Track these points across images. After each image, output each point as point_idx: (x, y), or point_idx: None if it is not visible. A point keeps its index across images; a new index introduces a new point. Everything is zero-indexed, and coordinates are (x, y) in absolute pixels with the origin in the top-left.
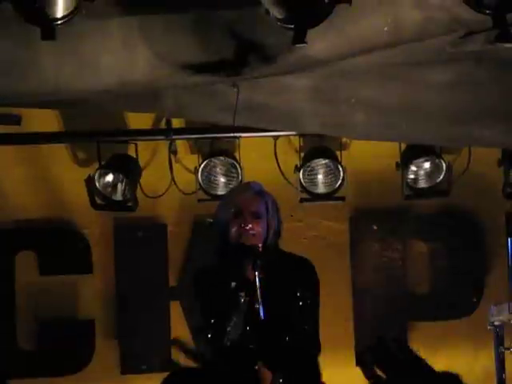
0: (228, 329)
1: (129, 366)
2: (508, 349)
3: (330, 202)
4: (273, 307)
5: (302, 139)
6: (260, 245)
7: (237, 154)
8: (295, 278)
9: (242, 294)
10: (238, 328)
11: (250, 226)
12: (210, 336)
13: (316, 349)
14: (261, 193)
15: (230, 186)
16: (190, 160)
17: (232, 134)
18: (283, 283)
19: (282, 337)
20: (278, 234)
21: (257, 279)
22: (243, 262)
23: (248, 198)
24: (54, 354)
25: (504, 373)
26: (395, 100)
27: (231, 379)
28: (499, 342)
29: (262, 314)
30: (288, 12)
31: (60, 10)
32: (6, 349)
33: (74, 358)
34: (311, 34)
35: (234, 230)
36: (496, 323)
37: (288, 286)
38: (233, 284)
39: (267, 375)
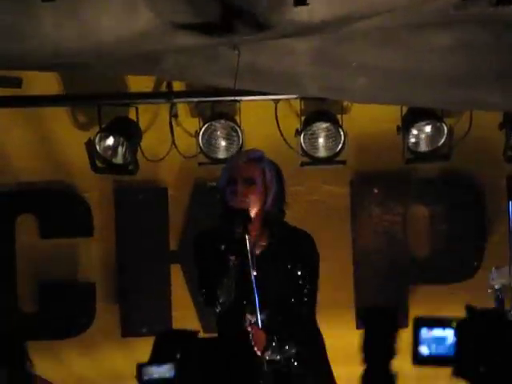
0: (218, 292)
1: (129, 328)
2: (509, 311)
3: (331, 166)
4: (270, 277)
5: (302, 103)
6: (250, 209)
7: (237, 118)
8: (295, 251)
9: (232, 257)
10: (228, 292)
11: (242, 190)
12: (203, 300)
13: (311, 324)
14: (257, 159)
15: (231, 149)
16: (191, 123)
17: (233, 98)
18: (282, 255)
19: (277, 307)
20: (279, 200)
21: (247, 242)
22: (233, 224)
23: (241, 164)
24: (54, 316)
25: None
26: (396, 63)
27: (225, 342)
28: (500, 305)
29: (253, 277)
30: None
31: None
32: (7, 311)
33: (74, 320)
34: None
35: (227, 195)
36: (497, 286)
37: (287, 259)
38: (222, 247)
39: (261, 336)
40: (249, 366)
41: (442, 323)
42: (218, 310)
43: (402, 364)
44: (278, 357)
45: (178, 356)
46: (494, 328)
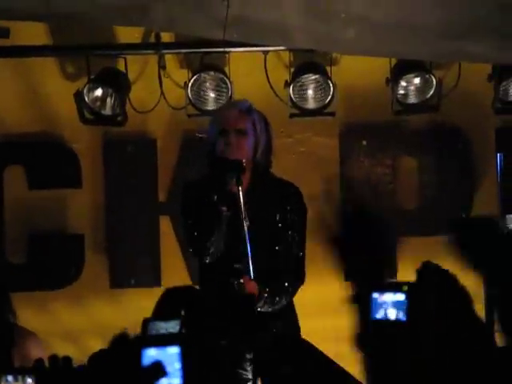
0: (208, 243)
1: (118, 280)
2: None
3: (320, 118)
4: (259, 228)
5: (292, 54)
6: (244, 160)
7: (227, 69)
8: (283, 204)
9: (224, 208)
10: (219, 244)
11: (235, 141)
12: (191, 250)
13: (301, 280)
14: (248, 110)
15: (220, 101)
16: (180, 75)
17: (222, 49)
18: (271, 207)
19: (267, 259)
20: (267, 151)
21: (240, 194)
22: (226, 176)
23: (233, 115)
24: (43, 267)
25: None
26: (386, 15)
27: (218, 294)
28: None
29: (246, 229)
30: None
31: None
32: None
33: (63, 272)
34: None
35: (219, 147)
36: None
37: (276, 211)
38: (215, 198)
39: (253, 287)
40: (243, 317)
41: (393, 288)
42: (207, 261)
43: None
44: (269, 309)
45: (183, 312)
46: (445, 290)
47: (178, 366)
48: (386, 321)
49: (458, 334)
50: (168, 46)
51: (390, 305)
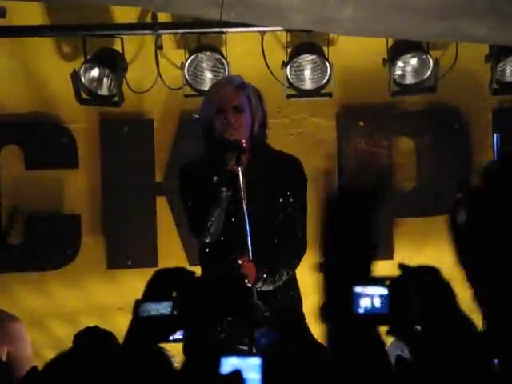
0: (209, 223)
1: (115, 260)
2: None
3: (317, 98)
4: (259, 205)
5: (288, 35)
6: (244, 140)
7: (223, 50)
8: (283, 178)
9: (224, 188)
10: (219, 224)
11: (233, 120)
12: (192, 232)
13: (305, 248)
14: (242, 86)
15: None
16: (177, 55)
17: (219, 30)
18: (270, 182)
19: (267, 236)
20: (263, 125)
21: (240, 174)
22: (226, 156)
23: (229, 92)
24: (39, 248)
25: None
26: None
27: (216, 275)
28: None
29: (245, 209)
30: None
31: None
32: None
33: (59, 252)
34: None
35: (217, 125)
36: None
37: (276, 185)
38: (215, 178)
39: (251, 268)
40: (239, 299)
41: (375, 282)
42: (207, 241)
43: None
44: (270, 287)
45: (175, 294)
46: (427, 286)
47: (257, 376)
48: (368, 315)
49: (442, 332)
50: (165, 26)
51: (372, 298)
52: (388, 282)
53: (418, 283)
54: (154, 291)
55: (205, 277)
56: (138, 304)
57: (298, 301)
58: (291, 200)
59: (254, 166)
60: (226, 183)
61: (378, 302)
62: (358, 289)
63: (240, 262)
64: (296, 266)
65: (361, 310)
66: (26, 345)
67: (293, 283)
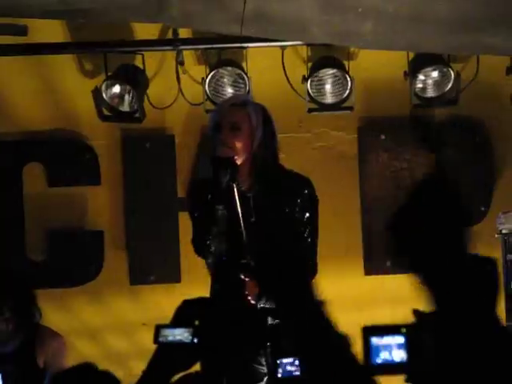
0: (208, 242)
1: (137, 276)
2: None
3: (338, 112)
4: (264, 224)
5: (309, 49)
6: (237, 156)
7: (244, 65)
8: (291, 197)
9: (220, 206)
10: (218, 241)
11: (227, 140)
12: (194, 249)
13: (313, 272)
14: (242, 103)
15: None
16: (198, 71)
17: (239, 45)
18: (277, 201)
19: (272, 254)
20: (267, 144)
21: (235, 191)
22: (220, 174)
23: (226, 109)
24: (62, 264)
25: None
26: (403, 8)
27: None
28: (507, 249)
29: (243, 226)
30: None
31: None
32: (15, 259)
33: (82, 268)
34: None
35: (215, 143)
36: (504, 231)
37: (283, 205)
38: (209, 196)
39: (253, 285)
40: (243, 317)
41: (392, 330)
42: (209, 260)
43: None
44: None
45: (197, 322)
46: (442, 332)
47: None
48: (386, 365)
49: (460, 377)
50: (185, 41)
51: (389, 348)
52: (404, 330)
53: (434, 330)
54: (178, 319)
55: (219, 305)
56: (157, 329)
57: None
58: (299, 219)
59: (258, 184)
60: (220, 201)
61: (395, 352)
62: (375, 339)
63: (243, 277)
64: (303, 283)
65: (378, 361)
66: (62, 359)
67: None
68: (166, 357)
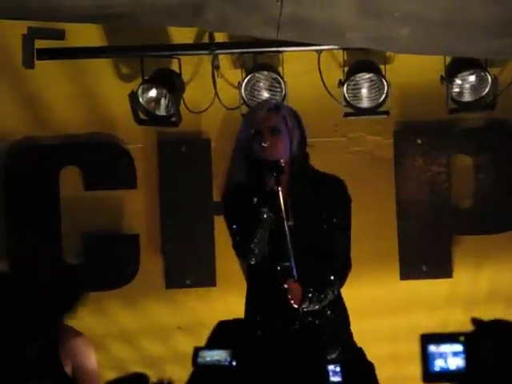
0: (252, 245)
1: (173, 280)
2: None
3: (374, 117)
4: (302, 225)
5: (345, 53)
6: (282, 160)
7: (280, 69)
8: (326, 198)
9: (265, 209)
10: (263, 245)
11: (269, 142)
12: (236, 252)
13: (347, 267)
14: (276, 108)
15: (274, 100)
16: (234, 75)
17: (275, 49)
18: (313, 202)
19: (310, 256)
20: (302, 145)
21: (280, 194)
22: (265, 177)
23: (263, 114)
24: (98, 268)
25: None
26: (440, 13)
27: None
28: None
29: (287, 229)
30: None
31: None
32: (52, 263)
33: (118, 272)
34: None
35: (255, 147)
36: None
37: (319, 206)
38: (254, 200)
39: (297, 289)
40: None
41: (450, 338)
42: (252, 262)
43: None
44: (316, 306)
45: (235, 345)
46: (502, 341)
47: None
48: (444, 373)
49: None
50: (221, 46)
51: (447, 356)
52: (463, 338)
53: (494, 338)
54: (213, 340)
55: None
56: (196, 351)
57: (344, 323)
58: (334, 220)
59: (296, 186)
60: (266, 204)
61: (453, 360)
62: (432, 347)
63: (286, 286)
64: (339, 285)
65: (436, 369)
66: (88, 357)
67: (338, 306)
68: (204, 379)
